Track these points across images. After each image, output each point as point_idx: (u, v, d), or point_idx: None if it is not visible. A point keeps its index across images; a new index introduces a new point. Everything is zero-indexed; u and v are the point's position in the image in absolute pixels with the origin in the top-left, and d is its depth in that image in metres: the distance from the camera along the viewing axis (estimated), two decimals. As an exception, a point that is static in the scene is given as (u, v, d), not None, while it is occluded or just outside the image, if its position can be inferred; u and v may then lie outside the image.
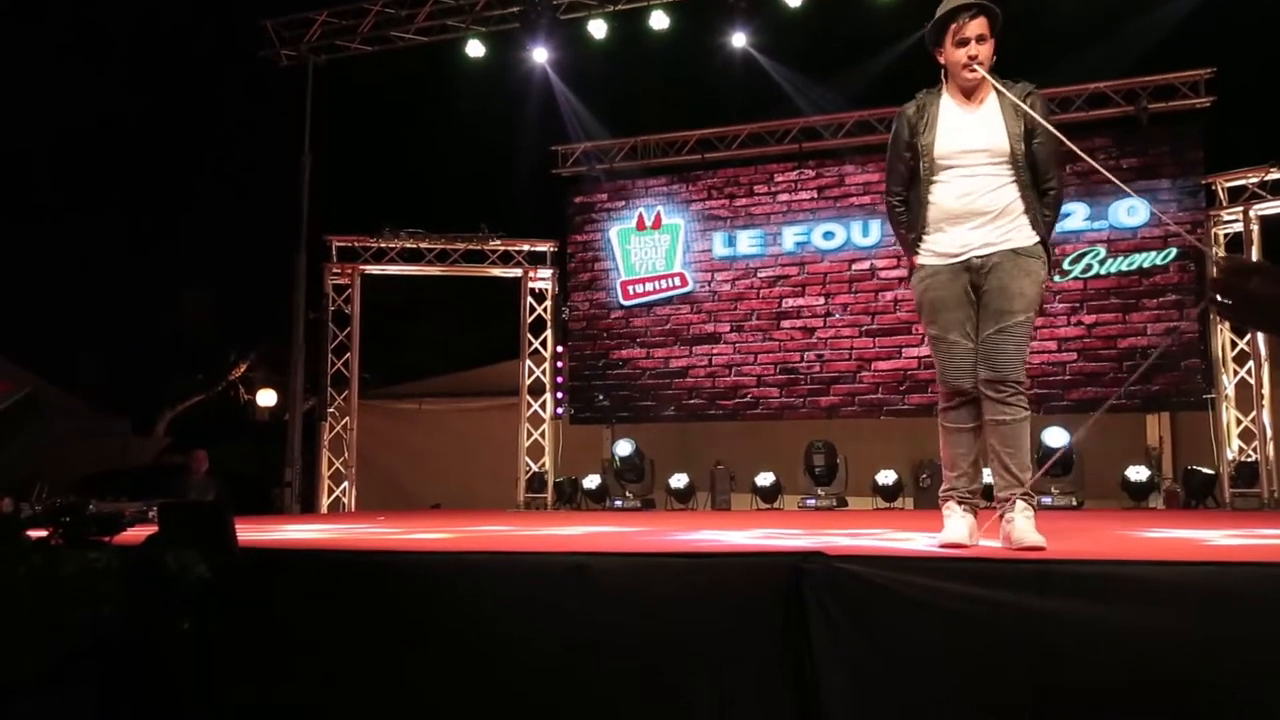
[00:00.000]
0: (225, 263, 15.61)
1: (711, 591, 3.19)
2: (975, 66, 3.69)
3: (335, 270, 11.66)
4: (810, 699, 3.00)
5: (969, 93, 3.76)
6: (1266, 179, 9.54)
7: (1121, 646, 2.78)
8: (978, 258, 3.69)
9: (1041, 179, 3.71)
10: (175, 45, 14.65)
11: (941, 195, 3.75)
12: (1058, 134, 3.72)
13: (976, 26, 3.72)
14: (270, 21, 11.37)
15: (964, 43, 3.71)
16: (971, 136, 3.72)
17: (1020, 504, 3.73)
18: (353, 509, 11.23)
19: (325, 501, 11.32)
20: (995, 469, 3.80)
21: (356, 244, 11.79)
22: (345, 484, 11.42)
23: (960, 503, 3.86)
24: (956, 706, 2.93)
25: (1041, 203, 3.72)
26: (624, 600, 3.25)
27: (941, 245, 3.76)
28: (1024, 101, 3.66)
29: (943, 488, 3.95)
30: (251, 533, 4.56)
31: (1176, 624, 2.75)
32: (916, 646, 2.98)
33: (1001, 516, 3.78)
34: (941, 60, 3.81)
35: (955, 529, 3.82)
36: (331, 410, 11.51)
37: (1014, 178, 3.69)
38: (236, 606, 3.06)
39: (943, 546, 3.74)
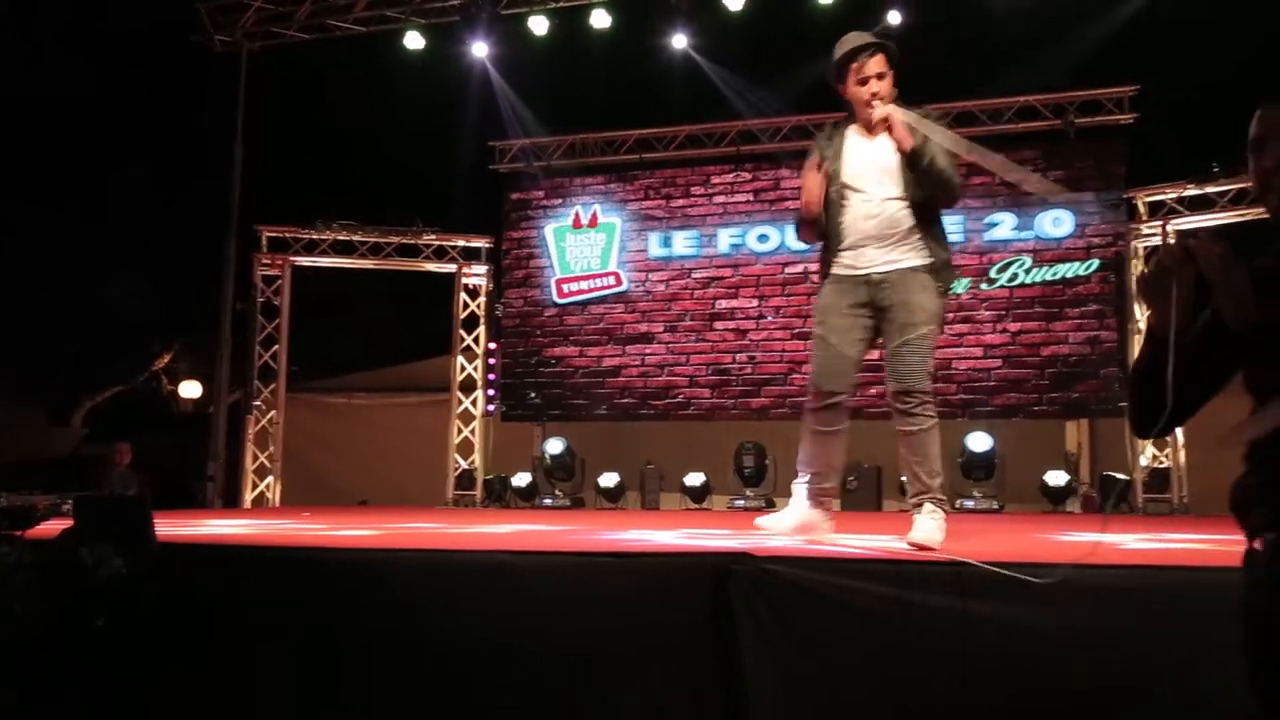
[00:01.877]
0: (151, 251, 15.28)
1: (641, 591, 3.22)
2: (875, 104, 3.93)
3: (265, 261, 11.48)
4: (738, 696, 3.04)
5: (871, 124, 3.99)
6: (1184, 195, 9.83)
7: (1034, 646, 2.87)
8: (878, 274, 3.95)
9: (933, 198, 3.94)
10: (105, 25, 14.30)
11: (847, 217, 4.00)
12: (946, 146, 3.90)
13: (875, 65, 3.96)
14: (204, 5, 11.14)
15: (865, 81, 3.96)
16: (871, 164, 3.98)
17: (928, 506, 3.92)
18: (277, 504, 11.07)
19: (249, 496, 11.14)
20: (908, 475, 4.06)
21: (288, 235, 11.62)
22: (270, 478, 11.25)
23: (812, 500, 4.15)
24: (878, 704, 2.99)
25: (939, 223, 3.97)
26: (553, 599, 3.26)
27: (847, 261, 4.02)
28: (920, 125, 3.88)
29: (797, 479, 4.22)
30: (172, 527, 4.48)
31: (1088, 623, 2.85)
32: (840, 645, 3.05)
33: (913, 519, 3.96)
34: (846, 96, 4.07)
35: (787, 519, 4.15)
36: (258, 403, 11.32)
37: (909, 201, 3.93)
38: (155, 602, 3.01)
39: (761, 530, 4.11)
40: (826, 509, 4.21)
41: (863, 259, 3.98)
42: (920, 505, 3.93)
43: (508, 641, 3.22)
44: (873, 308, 4.00)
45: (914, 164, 3.85)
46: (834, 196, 4.02)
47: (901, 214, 3.93)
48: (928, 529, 3.84)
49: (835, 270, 4.07)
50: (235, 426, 11.25)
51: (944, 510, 3.94)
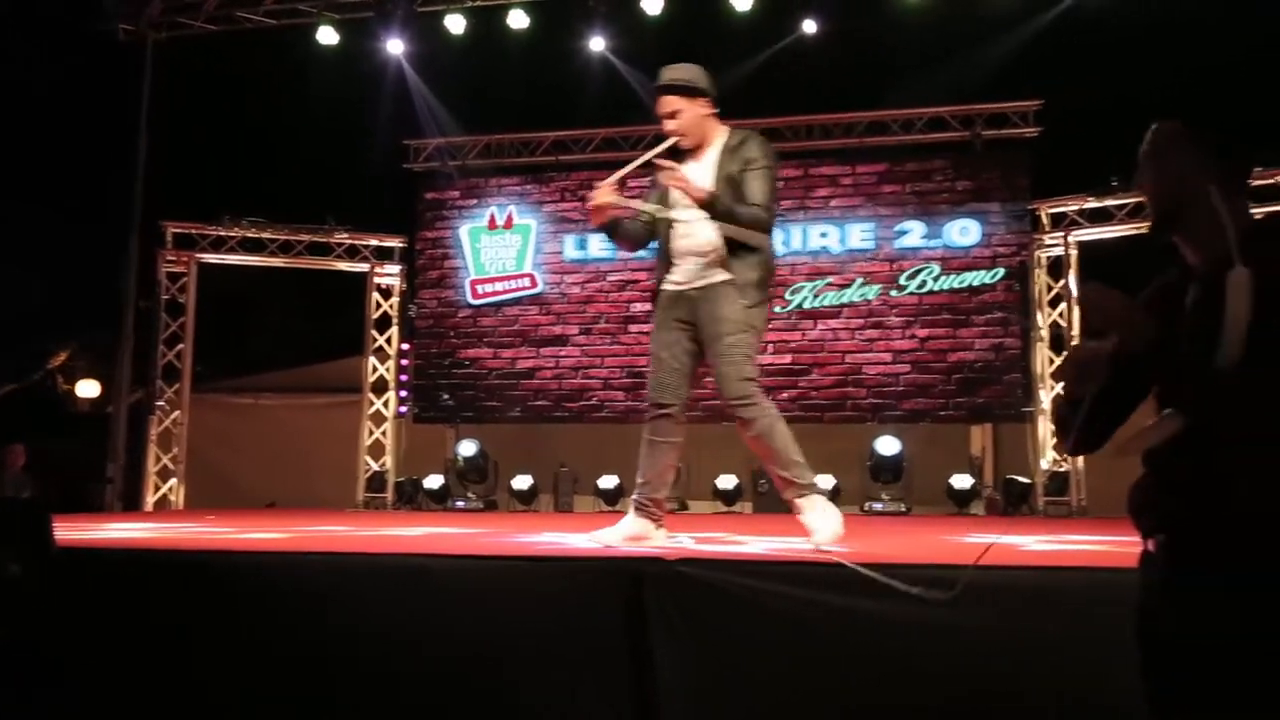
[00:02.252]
0: (47, 245, 14.75)
1: (555, 594, 3.22)
2: (674, 140, 4.23)
3: (170, 257, 11.19)
4: (650, 698, 3.06)
5: (695, 150, 4.28)
6: (1085, 207, 10.16)
7: (938, 646, 2.94)
8: (694, 290, 4.22)
9: (746, 205, 4.15)
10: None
11: (672, 235, 4.28)
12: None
13: (664, 105, 4.25)
14: (106, -10, 10.82)
15: (666, 119, 4.26)
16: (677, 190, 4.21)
17: (803, 503, 4.08)
18: (181, 507, 10.79)
19: (151, 499, 10.84)
20: (770, 477, 4.32)
21: (194, 231, 11.33)
22: (173, 481, 10.96)
23: (638, 509, 4.31)
24: (787, 703, 3.04)
25: (750, 242, 4.14)
26: (467, 603, 3.24)
27: (671, 278, 4.30)
28: (733, 150, 4.19)
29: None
30: (71, 531, 4.33)
31: (989, 624, 2.93)
32: (750, 646, 3.09)
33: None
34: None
35: (617, 531, 4.28)
36: (161, 403, 11.03)
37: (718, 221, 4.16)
38: (53, 608, 2.91)
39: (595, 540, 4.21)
40: (655, 517, 4.33)
41: (682, 276, 4.26)
42: (797, 505, 4.11)
43: (421, 646, 3.19)
44: (692, 323, 4.25)
45: (712, 213, 4.09)
46: (659, 223, 4.33)
47: (710, 234, 4.16)
48: (822, 526, 3.99)
49: (663, 287, 4.34)
50: (136, 427, 10.94)
51: (818, 495, 4.11)
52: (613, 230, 4.37)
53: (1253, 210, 2.06)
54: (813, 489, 4.12)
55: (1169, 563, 1.89)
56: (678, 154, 4.32)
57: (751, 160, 4.17)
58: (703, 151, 4.26)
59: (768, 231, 4.23)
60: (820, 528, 4.00)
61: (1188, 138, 1.99)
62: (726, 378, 4.16)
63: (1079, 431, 2.00)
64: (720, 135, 4.28)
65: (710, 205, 4.05)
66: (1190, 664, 1.80)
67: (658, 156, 4.29)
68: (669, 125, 4.25)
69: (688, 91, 4.24)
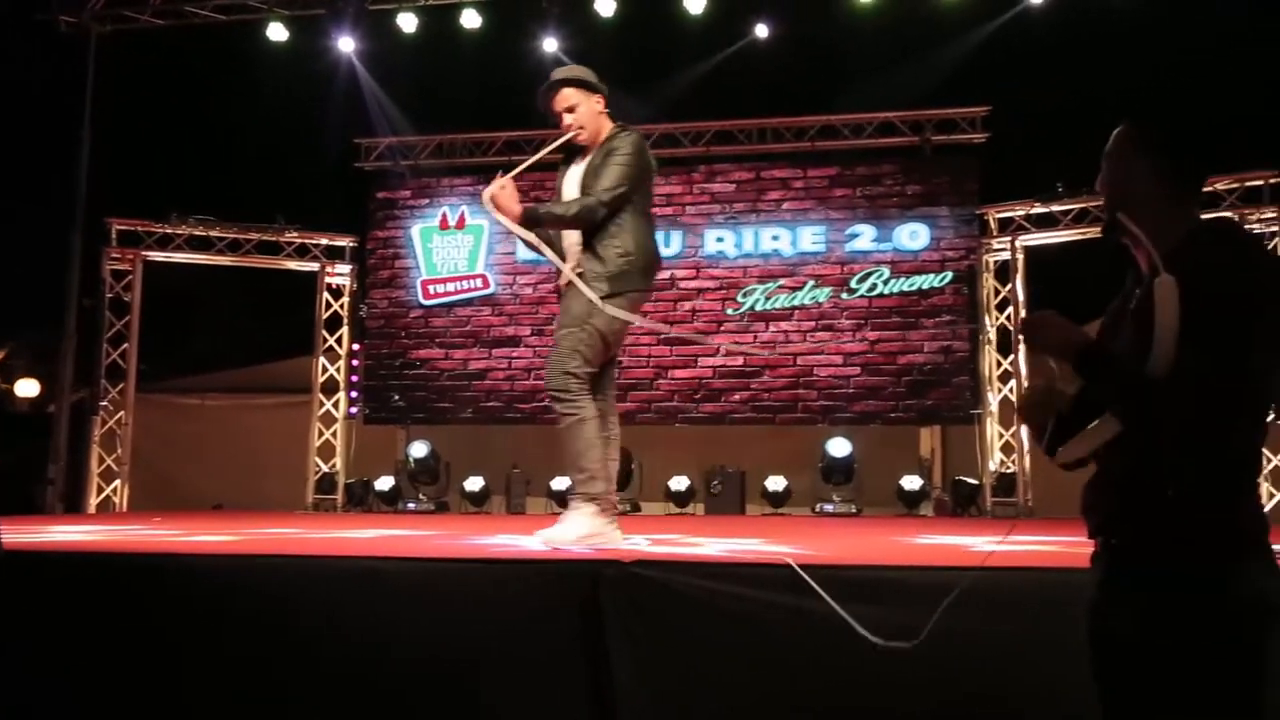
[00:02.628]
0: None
1: (511, 596, 3.22)
2: (574, 131, 4.38)
3: (115, 255, 10.99)
4: (607, 700, 3.07)
5: (585, 147, 4.44)
6: (1031, 212, 10.32)
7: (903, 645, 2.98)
8: (565, 284, 4.38)
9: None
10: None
11: (561, 233, 4.44)
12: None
13: (558, 102, 4.42)
14: (49, -17, 10.60)
15: (561, 115, 4.42)
16: (567, 185, 4.44)
17: (572, 504, 4.25)
18: (124, 509, 10.60)
19: (94, 501, 10.64)
20: None
21: (140, 228, 11.14)
22: (117, 482, 10.77)
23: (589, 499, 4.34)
24: (741, 701, 3.06)
25: (605, 234, 4.24)
26: (421, 606, 3.22)
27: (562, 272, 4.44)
28: (608, 142, 4.31)
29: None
30: (13, 534, 4.24)
31: (942, 624, 2.96)
32: (705, 646, 3.11)
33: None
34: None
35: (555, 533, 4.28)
36: (105, 403, 10.83)
37: None
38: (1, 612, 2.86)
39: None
40: (610, 516, 4.36)
41: (564, 270, 4.43)
42: (569, 502, 4.27)
43: (374, 649, 3.17)
44: None
45: (535, 226, 4.31)
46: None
47: (574, 231, 4.35)
48: (562, 528, 4.11)
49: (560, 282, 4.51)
50: (78, 428, 10.73)
51: (588, 506, 4.18)
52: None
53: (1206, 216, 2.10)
54: (585, 499, 4.20)
55: (1112, 561, 1.93)
56: (574, 150, 4.47)
57: (614, 150, 4.28)
58: (592, 148, 4.39)
59: (595, 216, 4.24)
60: (560, 527, 4.12)
61: (1140, 141, 2.03)
62: (551, 367, 4.29)
63: (1051, 438, 2.04)
64: (606, 131, 4.41)
65: (533, 222, 4.24)
66: (1136, 661, 1.85)
67: (557, 149, 4.48)
68: (568, 119, 4.37)
69: (584, 86, 4.39)
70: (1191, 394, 1.76)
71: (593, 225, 4.24)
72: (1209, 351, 1.73)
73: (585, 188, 4.27)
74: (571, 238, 4.35)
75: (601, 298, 4.17)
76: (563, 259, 4.38)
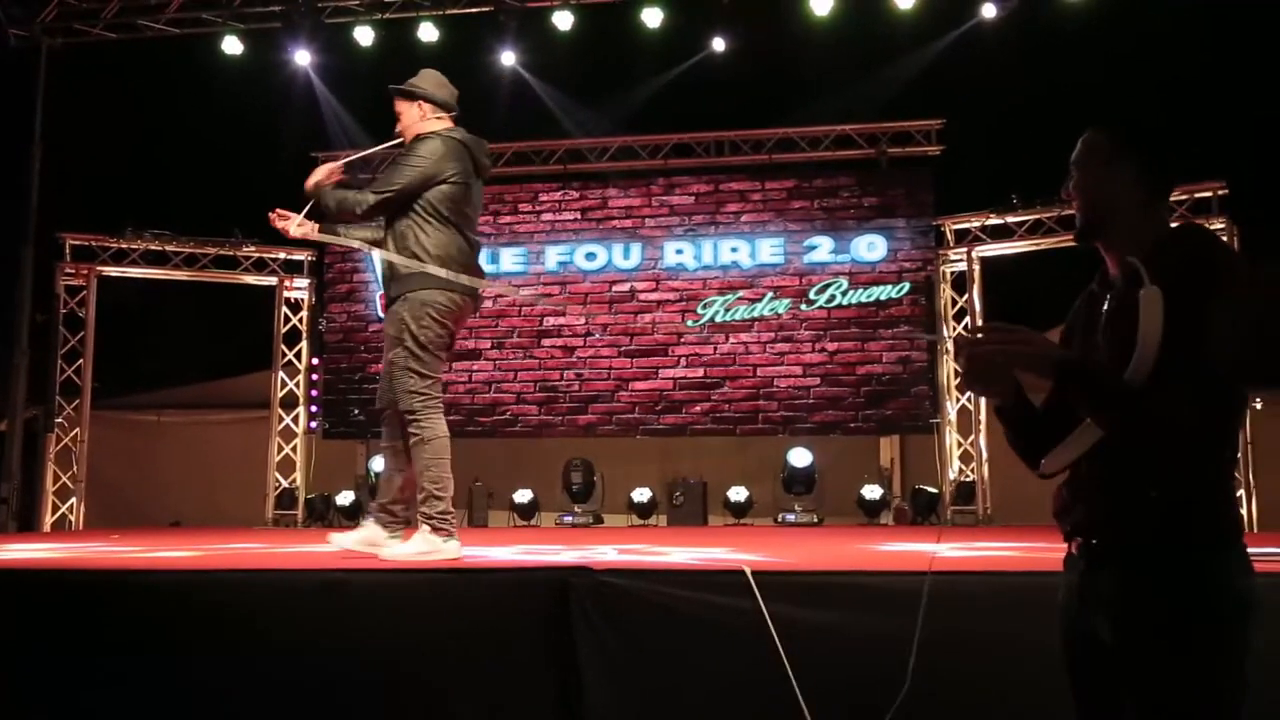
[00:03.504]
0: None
1: (479, 604, 3.22)
2: (397, 140, 4.50)
3: (69, 270, 10.83)
4: (575, 708, 3.08)
5: None
6: (987, 224, 10.47)
7: (851, 648, 3.03)
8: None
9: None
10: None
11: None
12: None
13: (396, 107, 4.52)
14: (-6, -5, 10.46)
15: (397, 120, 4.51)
16: None
17: (418, 521, 4.25)
18: (80, 527, 10.44)
19: (49, 519, 10.47)
20: None
21: (94, 243, 10.99)
22: (73, 500, 10.61)
23: (375, 516, 4.45)
24: (706, 704, 3.09)
25: (398, 238, 4.28)
26: (389, 616, 3.22)
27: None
28: (409, 148, 4.37)
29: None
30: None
31: (899, 627, 3.02)
32: (671, 651, 3.14)
33: None
34: None
35: (345, 538, 4.45)
36: (59, 421, 10.66)
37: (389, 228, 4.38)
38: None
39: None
40: (387, 524, 4.39)
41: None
42: (420, 520, 4.25)
43: (341, 661, 3.16)
44: None
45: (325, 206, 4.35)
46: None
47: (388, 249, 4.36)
48: (404, 546, 4.15)
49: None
50: (31, 445, 10.55)
51: (439, 534, 4.19)
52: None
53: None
54: (427, 519, 4.22)
55: (1087, 564, 1.97)
56: None
57: (409, 151, 4.33)
58: None
59: (354, 211, 4.28)
60: (404, 545, 4.16)
61: (1117, 146, 2.05)
62: (396, 392, 4.27)
63: (1027, 450, 2.06)
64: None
65: (315, 194, 4.32)
66: (1115, 660, 1.88)
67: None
68: (400, 125, 4.49)
69: (407, 95, 4.47)
70: (1173, 400, 1.79)
71: (353, 218, 4.31)
72: (1189, 355, 1.76)
73: None
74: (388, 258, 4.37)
75: (393, 299, 4.26)
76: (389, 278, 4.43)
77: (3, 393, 10.29)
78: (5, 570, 3.54)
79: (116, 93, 11.06)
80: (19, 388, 10.27)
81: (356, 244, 4.54)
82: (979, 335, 1.97)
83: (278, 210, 4.41)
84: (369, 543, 4.25)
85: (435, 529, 4.17)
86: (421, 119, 4.42)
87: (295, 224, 4.35)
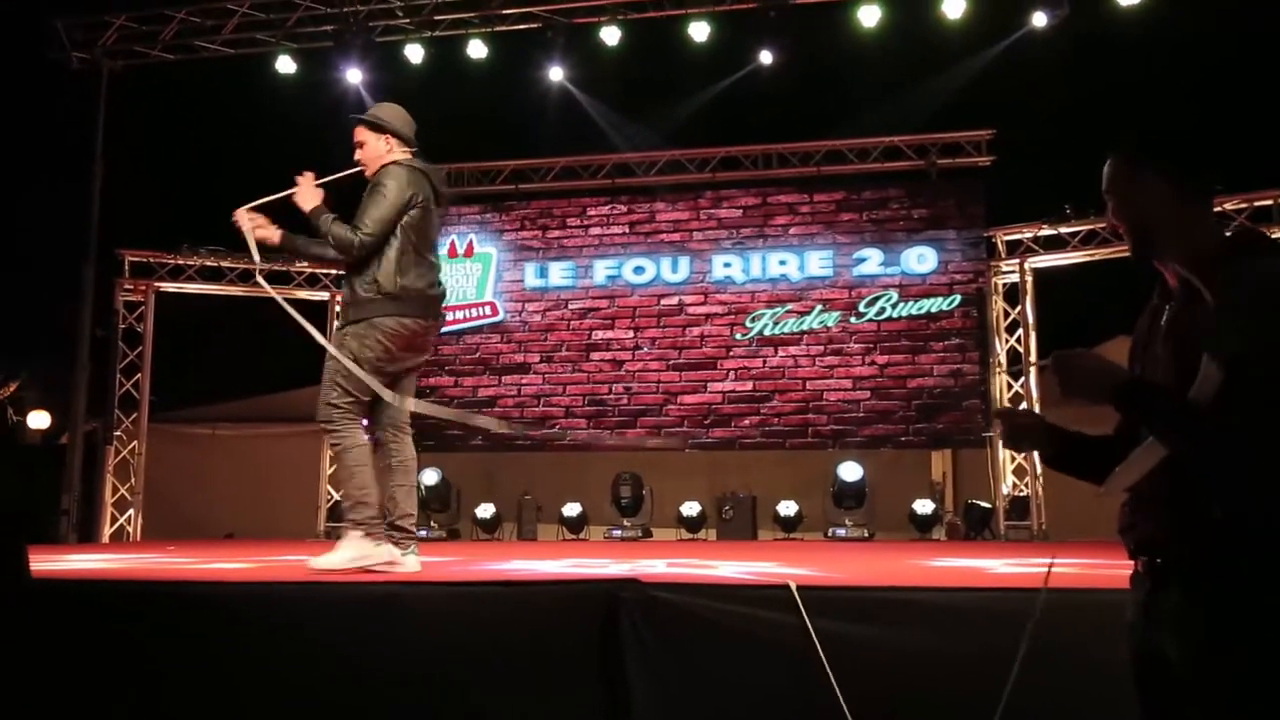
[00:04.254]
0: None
1: (528, 619, 3.22)
2: (357, 169, 4.54)
3: (128, 286, 11.05)
4: (623, 718, 3.07)
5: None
6: (1039, 234, 10.34)
7: (900, 665, 2.99)
8: None
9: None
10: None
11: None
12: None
13: (355, 136, 4.56)
14: (61, 22, 10.72)
15: (355, 149, 4.55)
16: None
17: (344, 530, 4.28)
18: (138, 538, 10.61)
19: (107, 531, 10.66)
20: None
21: (152, 259, 11.22)
22: (130, 512, 10.79)
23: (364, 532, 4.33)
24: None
25: (363, 265, 4.32)
26: (439, 629, 3.23)
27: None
28: (374, 182, 4.39)
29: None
30: (34, 564, 4.25)
31: (956, 645, 2.97)
32: (721, 666, 3.12)
33: None
34: None
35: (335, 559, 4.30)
36: (118, 434, 10.86)
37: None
38: (26, 639, 2.87)
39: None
40: (395, 541, 4.37)
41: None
42: (346, 528, 4.27)
43: (392, 673, 3.17)
44: None
45: (317, 223, 4.39)
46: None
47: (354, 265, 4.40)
48: (334, 554, 4.16)
49: None
50: (91, 458, 10.75)
51: (369, 539, 4.21)
52: (297, 253, 4.67)
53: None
54: (355, 525, 4.24)
55: (1157, 581, 1.93)
56: (367, 183, 4.54)
57: (377, 185, 4.36)
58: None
59: (351, 250, 4.32)
60: (332, 554, 4.16)
61: (1133, 166, 2.02)
62: (319, 399, 4.36)
63: (1097, 479, 2.03)
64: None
65: (289, 249, 4.45)
66: (1184, 679, 1.84)
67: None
68: (356, 154, 4.55)
69: (373, 126, 4.52)
70: (1243, 421, 1.75)
71: (355, 258, 4.32)
72: (1260, 376, 1.72)
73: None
74: (348, 267, 4.41)
75: (345, 324, 4.32)
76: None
77: (64, 406, 10.51)
78: (67, 581, 3.60)
79: (173, 112, 11.30)
80: (79, 401, 10.48)
81: (301, 259, 4.62)
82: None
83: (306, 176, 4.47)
84: (387, 564, 4.24)
85: (367, 534, 4.22)
86: (387, 152, 4.50)
87: (254, 224, 4.46)
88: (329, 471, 11.29)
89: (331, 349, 4.26)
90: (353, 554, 4.15)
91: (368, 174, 4.50)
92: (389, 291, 4.29)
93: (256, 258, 4.59)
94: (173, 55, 10.94)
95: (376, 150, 4.50)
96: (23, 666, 2.84)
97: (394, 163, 4.43)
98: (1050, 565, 2.67)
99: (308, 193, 4.43)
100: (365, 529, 4.23)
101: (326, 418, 4.32)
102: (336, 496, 11.23)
